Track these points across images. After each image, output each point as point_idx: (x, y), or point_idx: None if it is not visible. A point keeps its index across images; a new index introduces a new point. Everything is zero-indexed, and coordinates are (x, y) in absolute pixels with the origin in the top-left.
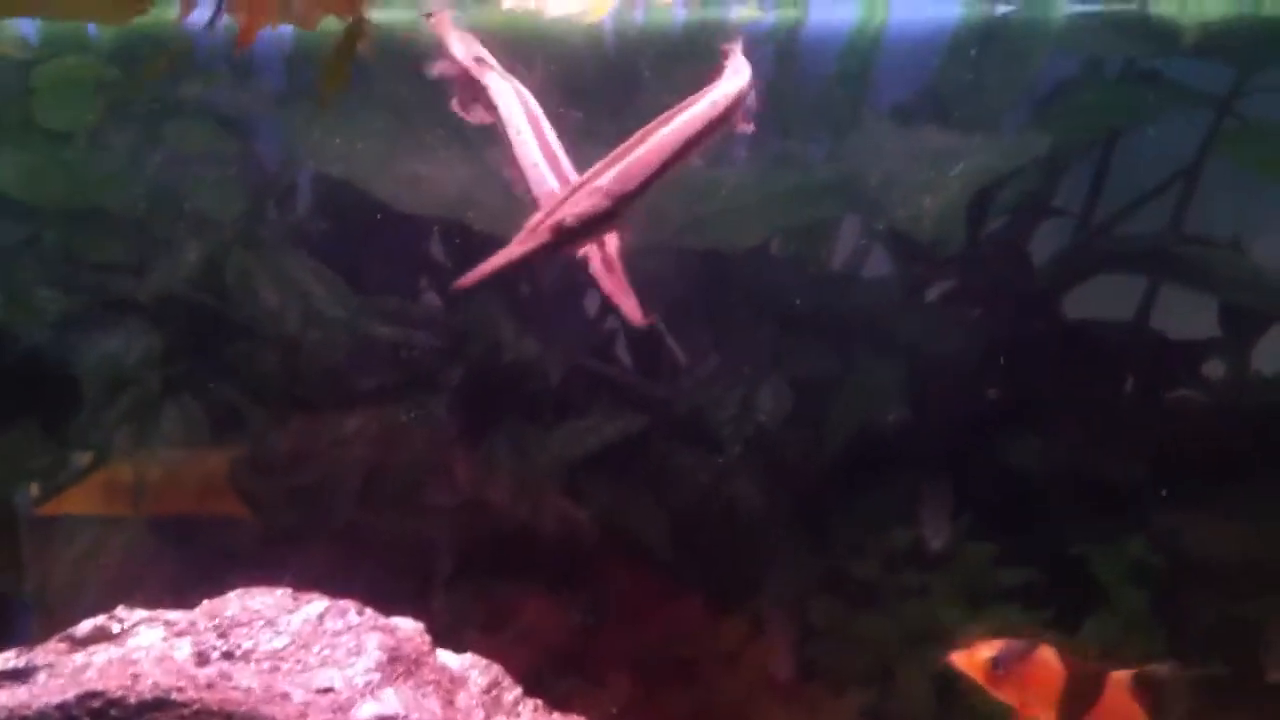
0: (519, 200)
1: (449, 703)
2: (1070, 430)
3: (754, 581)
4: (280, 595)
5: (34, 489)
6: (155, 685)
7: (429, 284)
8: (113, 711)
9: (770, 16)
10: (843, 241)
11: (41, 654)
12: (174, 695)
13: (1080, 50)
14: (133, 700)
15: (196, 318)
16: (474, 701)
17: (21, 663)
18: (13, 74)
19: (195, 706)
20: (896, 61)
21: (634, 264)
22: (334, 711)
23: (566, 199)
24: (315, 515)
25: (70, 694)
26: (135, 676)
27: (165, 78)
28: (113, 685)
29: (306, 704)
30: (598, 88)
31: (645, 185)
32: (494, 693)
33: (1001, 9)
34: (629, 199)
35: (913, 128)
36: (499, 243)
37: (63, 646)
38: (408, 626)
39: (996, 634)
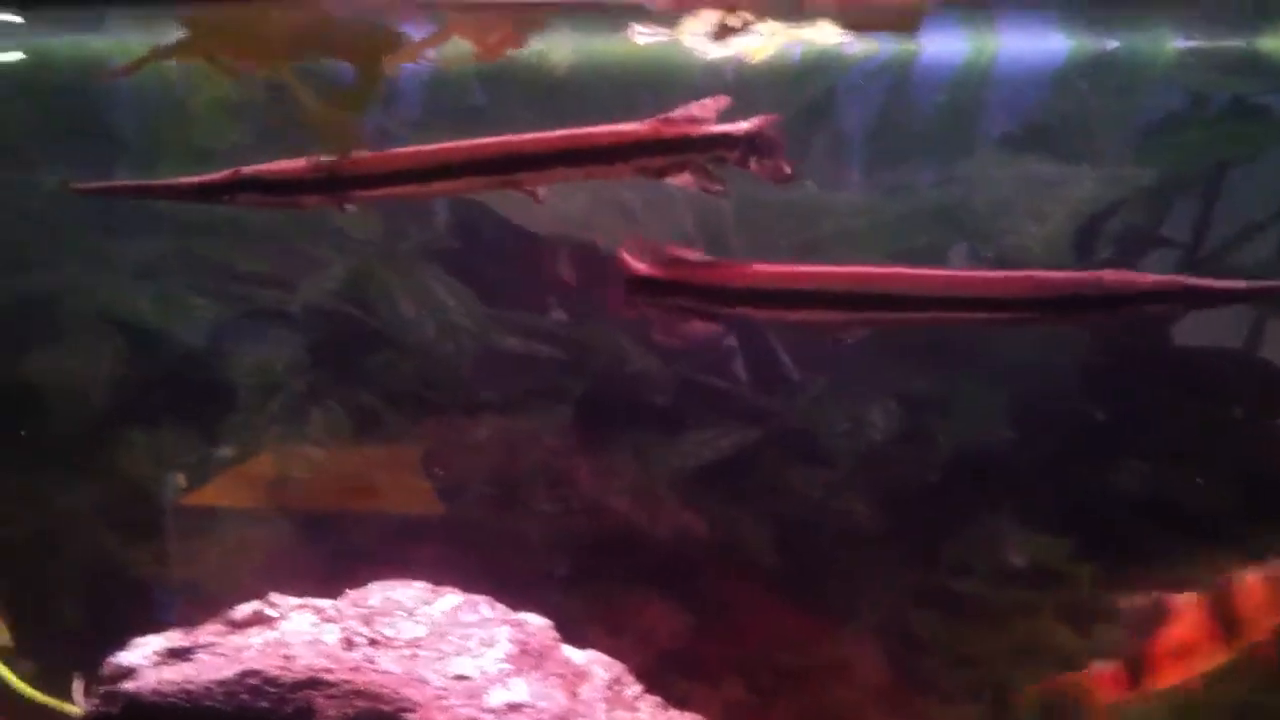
0: (639, 222)
1: (573, 695)
2: (1176, 455)
3: (861, 595)
4: (419, 589)
5: (180, 481)
6: (308, 666)
7: (556, 300)
8: (268, 689)
9: (885, 49)
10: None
11: (203, 634)
12: (324, 675)
13: (1187, 85)
14: (287, 679)
15: (340, 328)
16: (597, 695)
17: (187, 642)
18: (174, 97)
19: (344, 687)
20: (1006, 93)
21: None
22: (468, 697)
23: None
24: (444, 515)
25: (231, 672)
26: (289, 658)
27: None
28: (269, 665)
29: (444, 689)
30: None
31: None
32: (615, 688)
33: (1110, 44)
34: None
35: (1021, 157)
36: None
37: (222, 628)
38: (536, 622)
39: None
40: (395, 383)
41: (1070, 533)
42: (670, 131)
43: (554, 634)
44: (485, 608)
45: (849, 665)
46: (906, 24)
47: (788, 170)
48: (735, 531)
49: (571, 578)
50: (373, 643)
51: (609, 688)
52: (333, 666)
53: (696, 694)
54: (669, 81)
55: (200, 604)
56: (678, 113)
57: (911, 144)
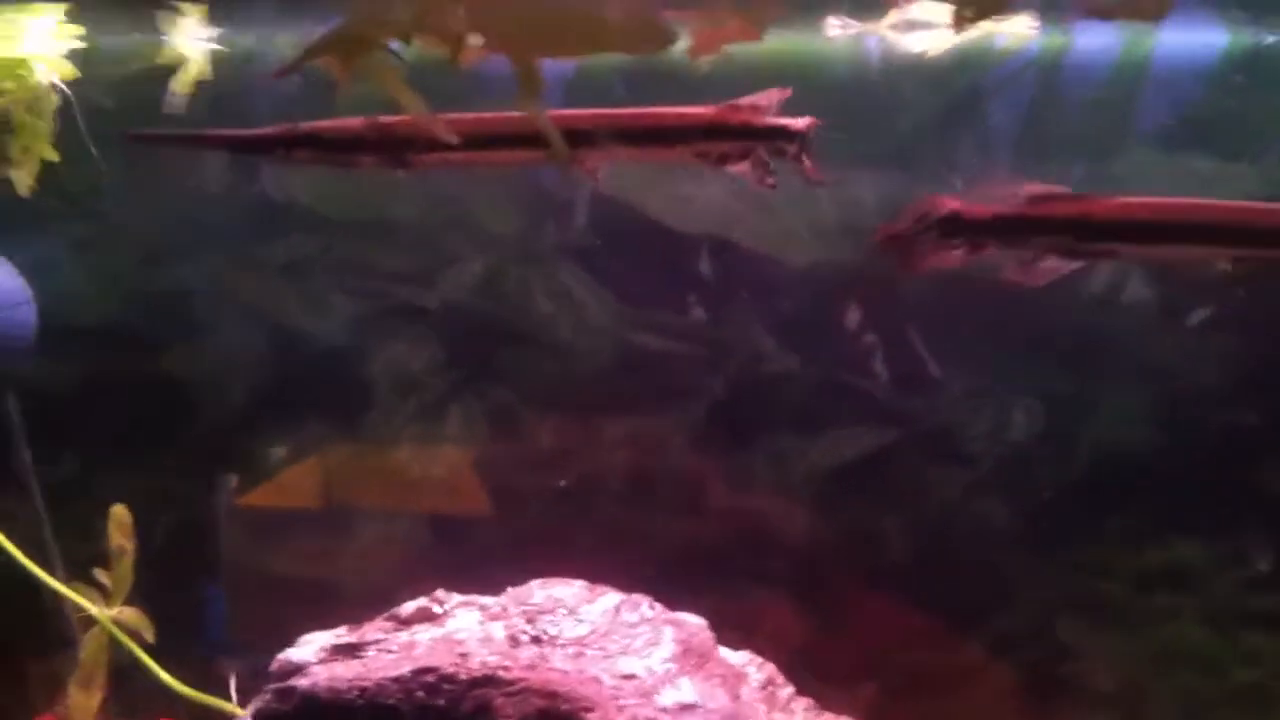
0: (781, 219)
1: (735, 696)
2: None
3: (1000, 598)
4: (578, 587)
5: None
6: (483, 664)
7: (695, 298)
8: (445, 686)
9: (1037, 42)
10: (1101, 265)
11: (370, 631)
12: (500, 673)
13: None
14: (463, 676)
15: (477, 325)
16: (755, 697)
17: (354, 638)
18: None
19: (520, 685)
20: (1161, 88)
21: (891, 281)
22: (641, 696)
23: None
24: (579, 514)
25: (406, 669)
26: (464, 655)
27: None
28: (444, 662)
29: (616, 688)
30: (865, 111)
31: None
32: (769, 689)
33: (1268, 38)
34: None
35: (1175, 154)
36: (762, 259)
37: (388, 625)
38: (694, 622)
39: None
40: (531, 381)
41: (1214, 536)
42: (734, 118)
43: (711, 634)
44: (645, 607)
45: (985, 669)
46: (1152, 10)
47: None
48: (872, 532)
49: (705, 578)
50: (536, 640)
51: (763, 689)
52: (508, 664)
53: (829, 697)
54: (811, 77)
55: (338, 601)
56: (743, 101)
57: (1062, 140)
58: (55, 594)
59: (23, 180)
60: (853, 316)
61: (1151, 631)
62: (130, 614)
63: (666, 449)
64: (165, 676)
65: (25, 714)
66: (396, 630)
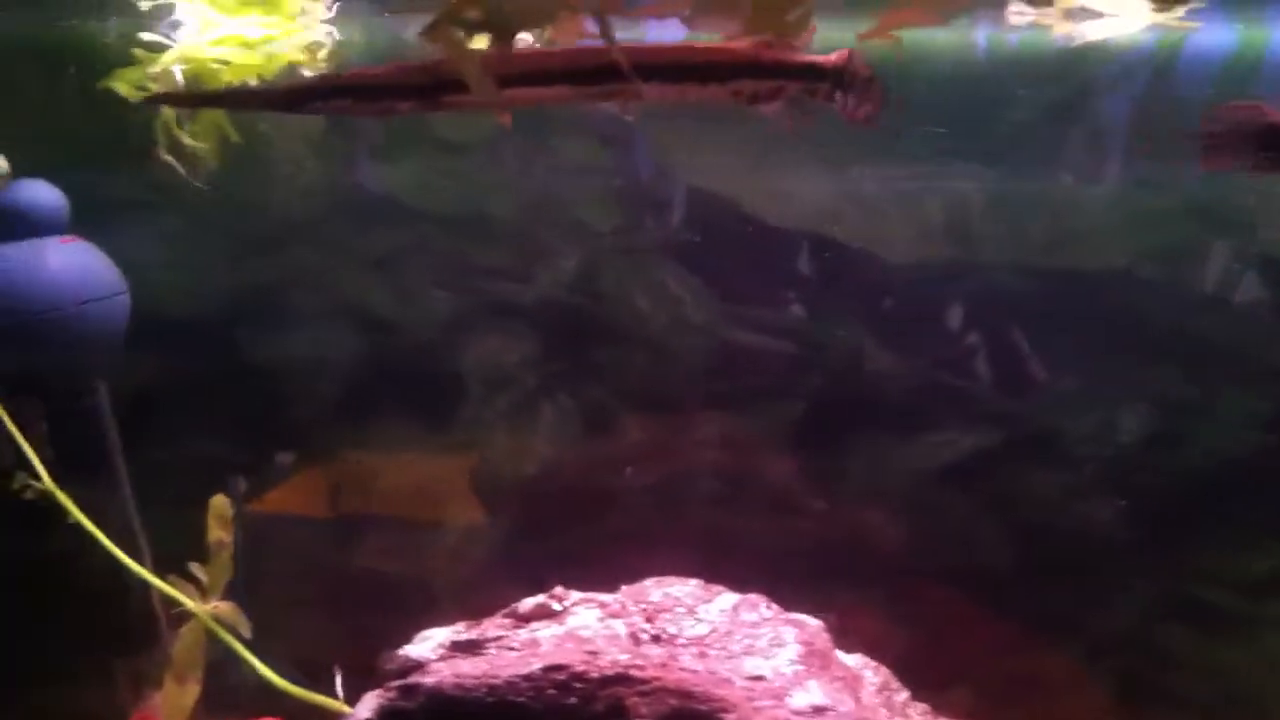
0: (883, 216)
1: (857, 699)
2: None
3: (1102, 604)
4: (693, 585)
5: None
6: (614, 662)
7: (793, 295)
8: (576, 684)
9: (1149, 40)
10: (1212, 265)
11: (489, 628)
12: (633, 672)
13: None
14: (595, 675)
15: (572, 321)
16: (875, 700)
17: (473, 635)
18: None
19: (654, 684)
20: (1276, 85)
21: (994, 280)
22: (774, 698)
23: None
24: (671, 514)
25: (535, 666)
26: (593, 653)
27: None
28: (573, 660)
29: (749, 690)
30: (969, 107)
31: None
32: (886, 693)
33: None
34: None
35: None
36: (862, 256)
37: (507, 622)
38: (813, 623)
39: None
40: (626, 378)
41: None
42: (768, 56)
43: (828, 636)
44: (764, 607)
45: (1086, 675)
46: None
47: (872, 110)
48: (972, 536)
49: (800, 579)
50: (656, 639)
51: (880, 692)
52: (640, 662)
53: (925, 701)
54: (915, 69)
55: (427, 597)
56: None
57: (1174, 138)
58: (143, 589)
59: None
60: (955, 315)
61: (1256, 640)
62: (227, 608)
63: (762, 448)
64: (268, 673)
65: (112, 712)
66: (516, 627)
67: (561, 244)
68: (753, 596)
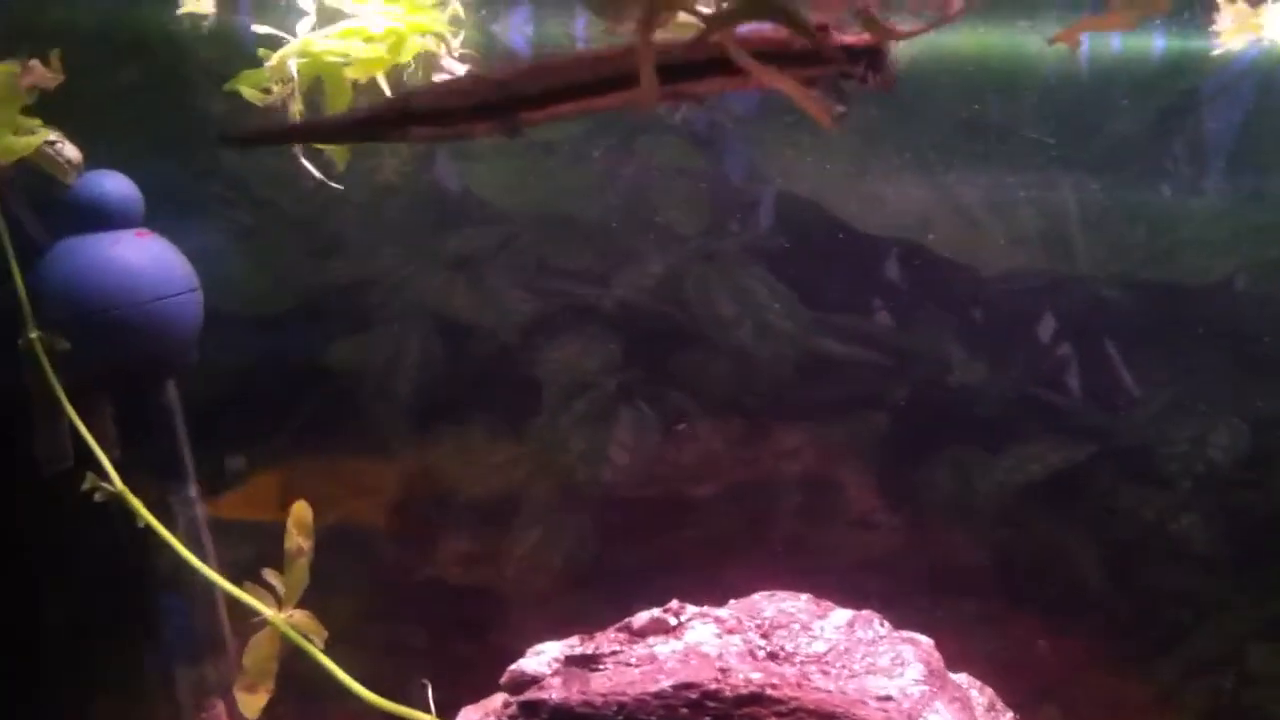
0: (978, 225)
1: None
2: None
3: (1193, 622)
4: (805, 600)
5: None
6: (748, 680)
7: (883, 304)
8: (709, 703)
9: (1254, 49)
10: None
11: (604, 642)
12: (769, 691)
13: None
14: (729, 693)
15: (655, 326)
16: None
17: (588, 649)
18: None
19: (791, 704)
20: None
21: (1090, 292)
22: (907, 715)
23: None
24: (753, 524)
25: (665, 683)
26: (724, 670)
27: None
28: (705, 678)
29: (884, 711)
30: (1070, 113)
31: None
32: (993, 713)
33: None
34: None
35: None
36: (954, 265)
37: (622, 636)
38: (925, 641)
39: None
40: (708, 385)
41: None
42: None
43: (939, 654)
44: (877, 623)
45: (1176, 696)
46: None
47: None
48: (1060, 553)
49: (884, 595)
50: (773, 657)
51: (989, 711)
52: (776, 681)
53: None
54: (1014, 77)
55: (501, 605)
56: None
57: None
58: (208, 595)
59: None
60: (1050, 327)
61: None
62: (303, 617)
63: (847, 459)
64: (355, 686)
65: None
66: (631, 642)
67: (646, 247)
68: (865, 613)
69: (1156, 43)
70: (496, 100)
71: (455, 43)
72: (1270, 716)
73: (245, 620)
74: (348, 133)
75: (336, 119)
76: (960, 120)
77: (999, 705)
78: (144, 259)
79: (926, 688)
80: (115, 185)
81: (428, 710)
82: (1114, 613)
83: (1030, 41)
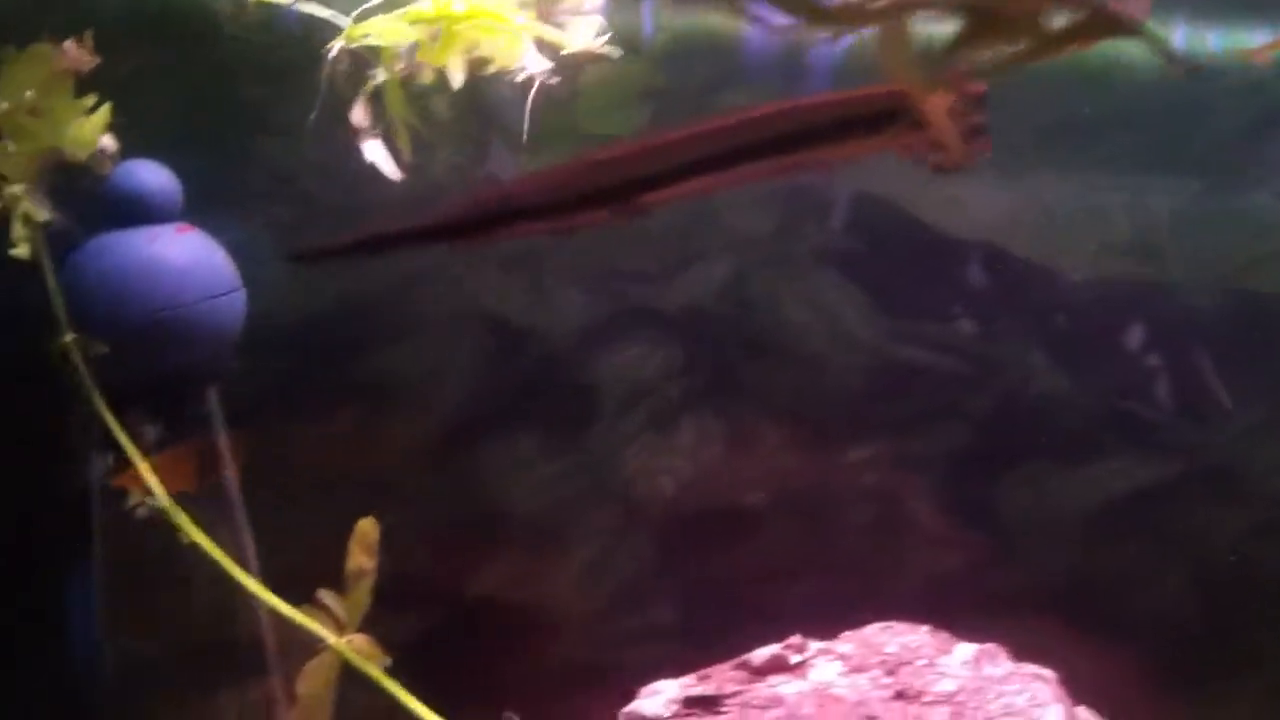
0: (1060, 226)
1: None
2: None
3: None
4: (925, 633)
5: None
6: None
7: (962, 309)
8: None
9: None
10: None
11: (724, 682)
12: None
13: None
14: None
15: (719, 332)
16: None
17: (707, 689)
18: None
19: None
20: None
21: (1183, 301)
22: None
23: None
24: (822, 540)
25: None
26: (867, 716)
27: (703, 84)
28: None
29: None
30: (1166, 114)
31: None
32: None
33: None
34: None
35: None
36: (1037, 269)
37: (741, 674)
38: (1048, 674)
39: None
40: (776, 394)
41: None
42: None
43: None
44: (1003, 658)
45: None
46: None
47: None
48: (1143, 574)
49: (960, 615)
50: (900, 695)
51: None
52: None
53: None
54: (1108, 74)
55: (554, 626)
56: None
57: None
58: (253, 617)
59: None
60: (1139, 336)
61: None
62: (363, 642)
63: (922, 472)
64: (430, 715)
65: None
66: (752, 681)
67: (711, 247)
68: (990, 647)
69: (1256, 40)
70: (609, 185)
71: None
72: None
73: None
74: (438, 234)
75: (425, 219)
76: (1050, 119)
77: None
78: (185, 256)
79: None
80: (153, 176)
81: None
82: (1196, 637)
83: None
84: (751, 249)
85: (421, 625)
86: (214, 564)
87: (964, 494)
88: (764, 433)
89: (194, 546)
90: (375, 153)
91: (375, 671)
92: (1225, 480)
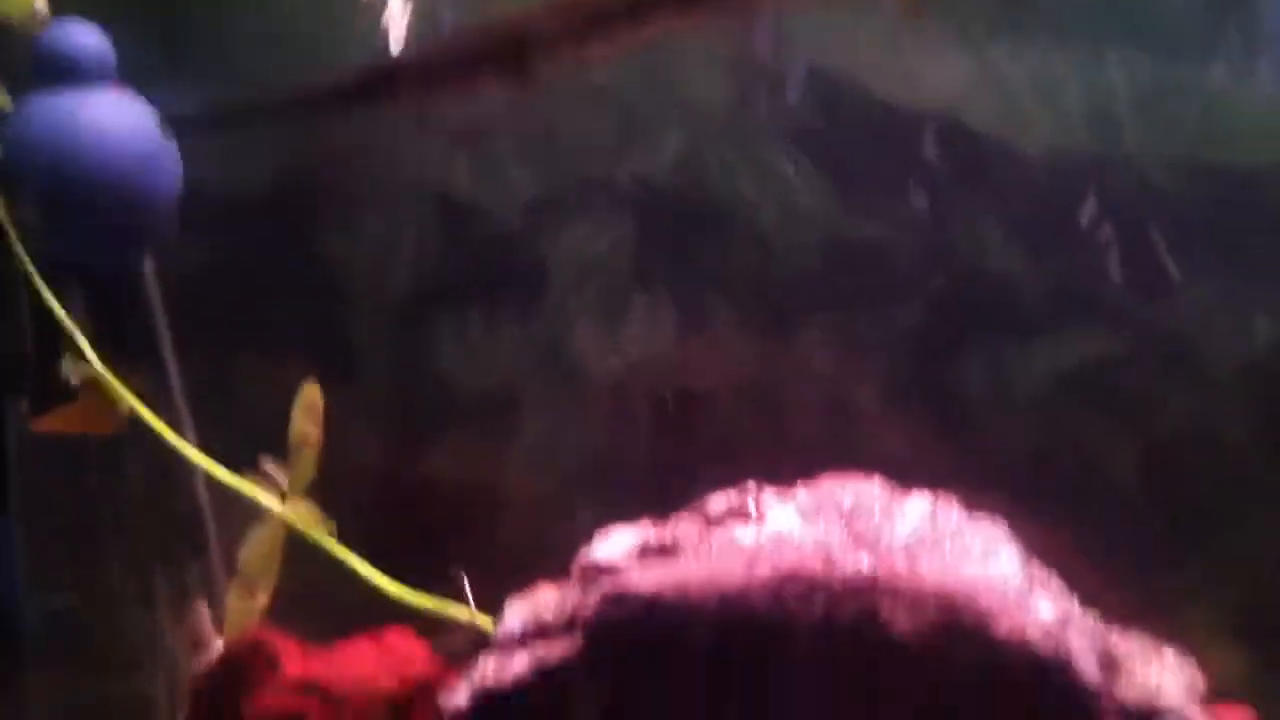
0: (1015, 99)
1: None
2: None
3: (1231, 517)
4: (878, 485)
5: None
6: (858, 568)
7: (916, 184)
8: (818, 593)
9: None
10: None
11: (680, 530)
12: (882, 578)
13: None
14: (838, 582)
15: (672, 208)
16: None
17: (665, 538)
18: None
19: (910, 591)
20: None
21: (1139, 175)
22: (1020, 609)
23: None
24: (774, 421)
25: (767, 573)
26: (829, 559)
27: None
28: (809, 566)
29: (1002, 597)
30: None
31: None
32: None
33: None
34: None
35: None
36: (992, 143)
37: (697, 523)
38: (1001, 524)
39: None
40: (728, 272)
41: None
42: None
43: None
44: (957, 510)
45: (1207, 593)
46: None
47: None
48: (1095, 448)
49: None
50: (859, 544)
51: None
52: (886, 568)
53: None
54: None
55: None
56: None
57: None
58: (190, 492)
59: None
60: (1094, 212)
61: None
62: (308, 511)
63: (875, 350)
64: (382, 580)
65: (149, 628)
66: (711, 529)
67: (663, 118)
68: (944, 499)
69: None
70: (502, 49)
71: None
72: None
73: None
74: (324, 104)
75: (308, 88)
76: None
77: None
78: (119, 117)
79: (1026, 575)
80: (85, 37)
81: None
82: (1148, 508)
83: None
84: (706, 122)
85: (368, 504)
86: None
87: (917, 372)
88: (717, 311)
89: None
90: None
91: (322, 538)
92: (1175, 353)
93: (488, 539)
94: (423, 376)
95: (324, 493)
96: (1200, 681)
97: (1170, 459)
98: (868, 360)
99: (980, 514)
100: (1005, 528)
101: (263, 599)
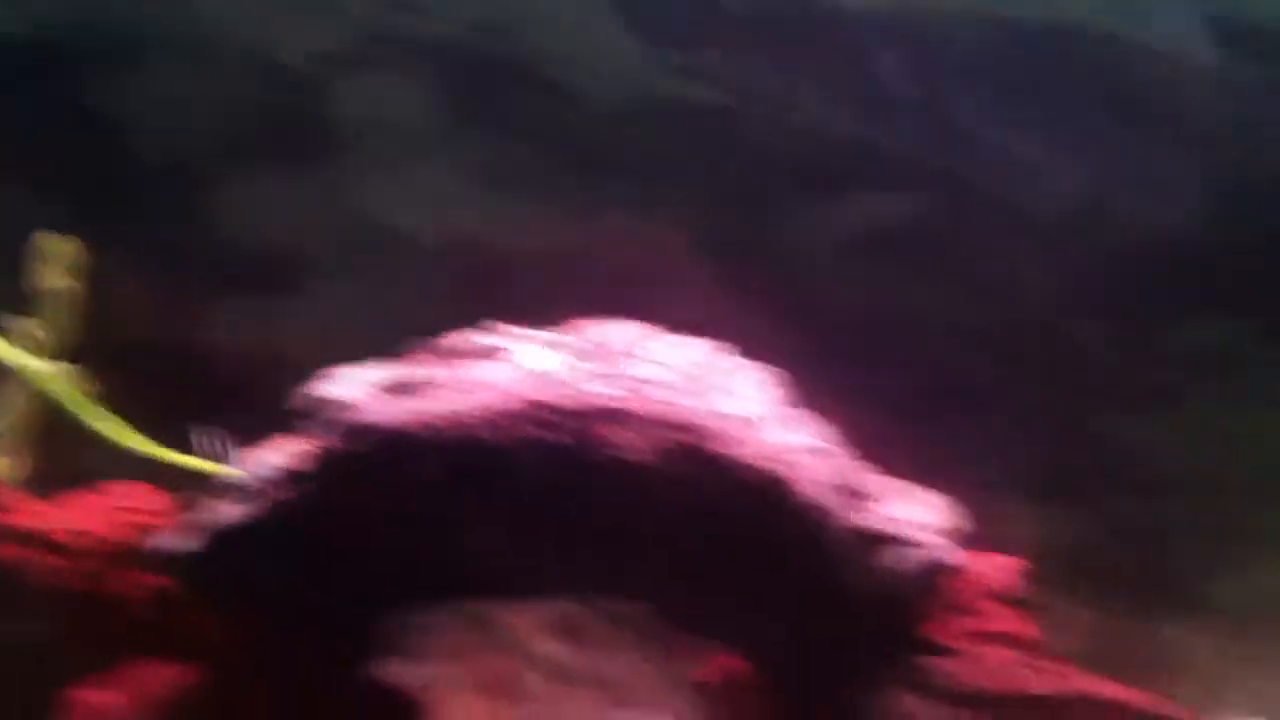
0: None
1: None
2: None
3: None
4: (635, 327)
5: None
6: (600, 396)
7: (723, 37)
8: (560, 421)
9: None
10: None
11: (417, 366)
12: (623, 406)
13: None
14: (580, 410)
15: (477, 63)
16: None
17: (403, 375)
18: None
19: (651, 417)
20: None
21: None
22: (771, 436)
23: None
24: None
25: (509, 403)
26: (569, 388)
27: None
28: (551, 395)
29: (748, 426)
30: None
31: None
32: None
33: None
34: None
35: None
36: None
37: (436, 360)
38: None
39: None
40: (539, 130)
41: None
42: None
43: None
44: (732, 357)
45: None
46: None
47: None
48: (905, 305)
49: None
50: (608, 379)
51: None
52: (628, 396)
53: None
54: None
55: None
56: None
57: None
58: None
59: None
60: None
61: None
62: (66, 368)
63: (678, 207)
64: (134, 437)
65: None
66: (454, 365)
67: None
68: (710, 342)
69: None
70: None
71: None
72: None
73: None
74: None
75: None
76: None
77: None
78: None
79: (786, 410)
80: None
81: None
82: (954, 360)
83: None
84: None
85: (148, 374)
86: None
87: (721, 230)
88: (521, 167)
89: None
90: None
91: (81, 403)
92: (988, 210)
93: (270, 405)
94: (203, 236)
95: (94, 355)
96: (963, 525)
97: (980, 314)
98: (673, 217)
99: (751, 362)
100: (771, 374)
101: (27, 463)
